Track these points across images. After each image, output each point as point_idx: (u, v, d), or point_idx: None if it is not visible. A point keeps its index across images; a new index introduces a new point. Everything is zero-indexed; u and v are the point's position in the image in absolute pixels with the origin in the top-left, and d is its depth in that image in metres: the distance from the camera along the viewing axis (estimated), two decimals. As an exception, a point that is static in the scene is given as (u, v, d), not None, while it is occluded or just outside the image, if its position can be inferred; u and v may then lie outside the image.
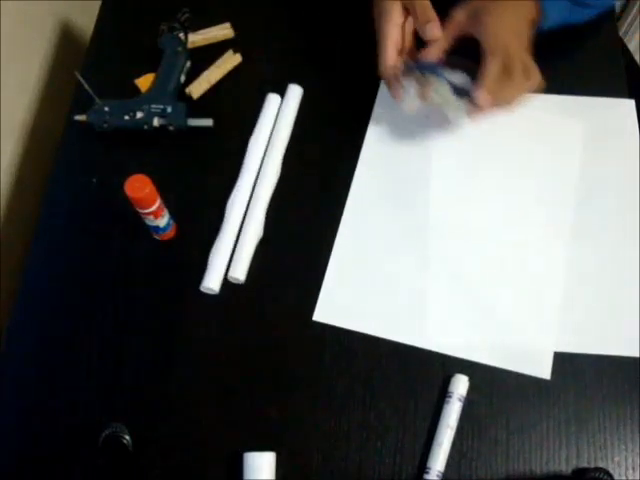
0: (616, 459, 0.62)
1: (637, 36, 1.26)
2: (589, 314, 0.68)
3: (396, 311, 0.69)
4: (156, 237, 0.73)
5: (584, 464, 0.62)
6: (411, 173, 0.75)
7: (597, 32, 0.77)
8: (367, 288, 0.70)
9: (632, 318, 0.67)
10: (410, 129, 0.77)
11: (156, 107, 0.76)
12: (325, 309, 0.69)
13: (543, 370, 0.65)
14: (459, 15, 0.72)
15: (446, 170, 0.75)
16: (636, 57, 1.15)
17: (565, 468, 0.62)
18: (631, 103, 0.78)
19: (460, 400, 0.63)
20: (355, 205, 0.74)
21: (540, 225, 0.72)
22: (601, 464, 0.62)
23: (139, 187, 0.63)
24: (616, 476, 0.61)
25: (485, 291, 0.69)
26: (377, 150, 0.77)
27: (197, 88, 0.80)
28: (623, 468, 0.62)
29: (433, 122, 0.77)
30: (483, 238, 0.72)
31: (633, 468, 0.62)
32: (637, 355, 0.66)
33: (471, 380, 0.64)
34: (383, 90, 0.79)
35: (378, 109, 0.79)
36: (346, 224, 0.73)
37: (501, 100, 0.70)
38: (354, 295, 0.69)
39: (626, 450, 0.63)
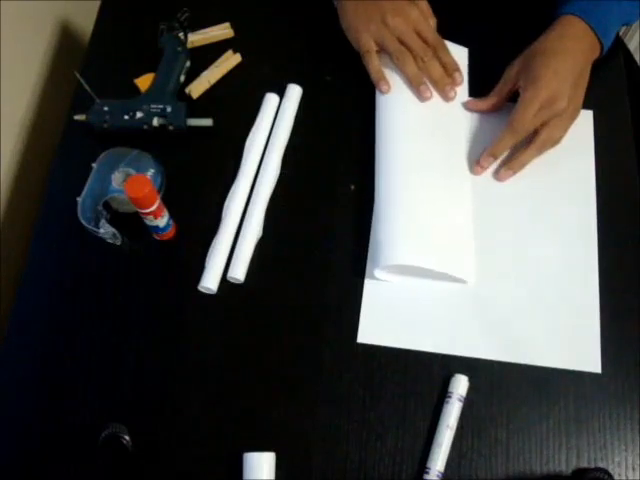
0: (616, 459, 0.62)
1: (637, 36, 1.26)
2: (551, 330, 0.67)
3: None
4: (156, 237, 0.73)
5: (584, 464, 0.62)
6: None
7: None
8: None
9: (593, 334, 0.66)
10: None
11: (156, 107, 0.76)
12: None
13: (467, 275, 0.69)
14: (511, 70, 0.73)
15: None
16: (636, 57, 1.14)
17: (565, 468, 0.62)
18: (589, 114, 0.77)
19: (460, 400, 0.63)
20: None
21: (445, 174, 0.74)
22: (601, 464, 0.62)
23: (139, 187, 0.63)
24: (616, 476, 0.61)
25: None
26: None
27: (197, 88, 0.80)
28: (623, 468, 0.62)
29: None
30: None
31: (633, 468, 0.62)
32: (599, 371, 0.65)
33: (471, 380, 0.64)
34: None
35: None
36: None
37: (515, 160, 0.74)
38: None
39: (626, 450, 0.63)
